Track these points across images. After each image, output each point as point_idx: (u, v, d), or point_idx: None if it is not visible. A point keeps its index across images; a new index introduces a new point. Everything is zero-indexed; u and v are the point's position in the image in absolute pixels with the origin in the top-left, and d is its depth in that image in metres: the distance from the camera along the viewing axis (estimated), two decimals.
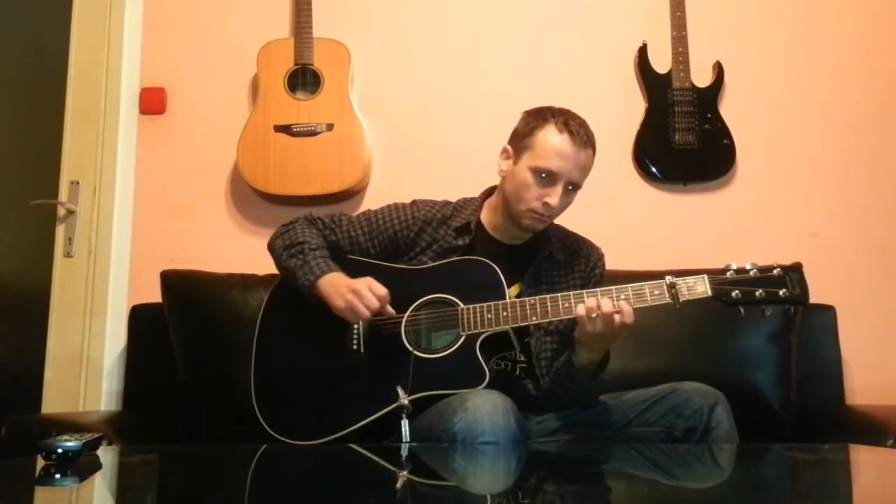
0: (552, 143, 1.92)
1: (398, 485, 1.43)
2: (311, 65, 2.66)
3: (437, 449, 1.73)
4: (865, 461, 1.66)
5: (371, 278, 1.90)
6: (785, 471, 1.59)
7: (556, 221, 2.13)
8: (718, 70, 2.73)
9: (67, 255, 2.66)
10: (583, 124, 1.95)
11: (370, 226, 2.06)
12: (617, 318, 1.77)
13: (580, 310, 1.79)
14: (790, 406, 2.36)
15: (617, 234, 2.58)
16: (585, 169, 1.96)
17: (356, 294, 1.86)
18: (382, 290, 1.88)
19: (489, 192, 2.11)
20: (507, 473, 1.55)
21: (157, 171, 2.77)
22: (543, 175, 1.92)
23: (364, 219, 2.08)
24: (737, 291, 1.77)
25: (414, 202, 2.10)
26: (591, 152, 1.95)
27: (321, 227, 2.08)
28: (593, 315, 1.78)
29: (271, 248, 2.06)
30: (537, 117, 1.97)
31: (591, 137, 1.96)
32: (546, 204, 1.92)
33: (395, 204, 2.10)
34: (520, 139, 1.97)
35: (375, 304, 1.86)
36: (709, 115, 2.69)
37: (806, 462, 1.67)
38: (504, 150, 2.02)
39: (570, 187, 1.95)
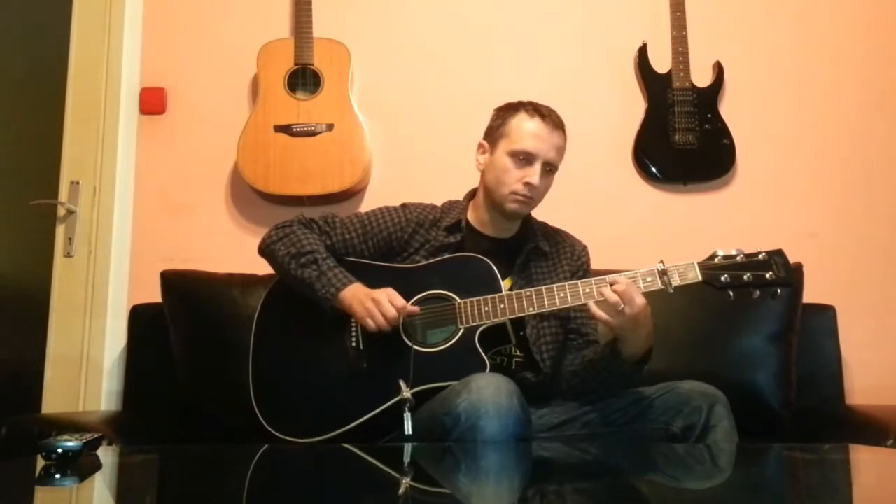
0: (526, 126, 2.01)
1: (398, 486, 1.43)
2: (311, 65, 2.66)
3: (436, 448, 1.73)
4: (865, 461, 1.66)
5: (392, 290, 1.92)
6: (785, 471, 1.59)
7: (543, 218, 2.15)
8: (718, 70, 2.73)
9: (67, 255, 2.66)
10: (552, 110, 2.05)
11: (363, 228, 2.08)
12: (614, 295, 1.79)
13: (591, 306, 1.83)
14: (790, 406, 2.36)
15: (617, 234, 2.58)
16: (560, 150, 2.03)
17: (376, 303, 1.88)
18: (401, 302, 1.90)
19: (473, 193, 2.16)
20: (507, 473, 1.55)
21: (157, 171, 2.77)
22: (521, 157, 2.00)
23: (357, 221, 2.10)
24: (725, 276, 1.84)
25: (404, 205, 2.13)
26: (563, 134, 2.04)
27: (318, 232, 2.08)
28: (601, 303, 1.81)
29: (271, 252, 2.05)
30: (508, 108, 2.07)
31: (562, 122, 2.04)
32: (528, 184, 1.99)
33: (387, 207, 2.13)
34: (494, 131, 2.07)
35: (392, 312, 1.87)
36: (709, 115, 2.69)
37: (806, 462, 1.67)
38: (480, 146, 2.10)
39: (548, 168, 2.02)
